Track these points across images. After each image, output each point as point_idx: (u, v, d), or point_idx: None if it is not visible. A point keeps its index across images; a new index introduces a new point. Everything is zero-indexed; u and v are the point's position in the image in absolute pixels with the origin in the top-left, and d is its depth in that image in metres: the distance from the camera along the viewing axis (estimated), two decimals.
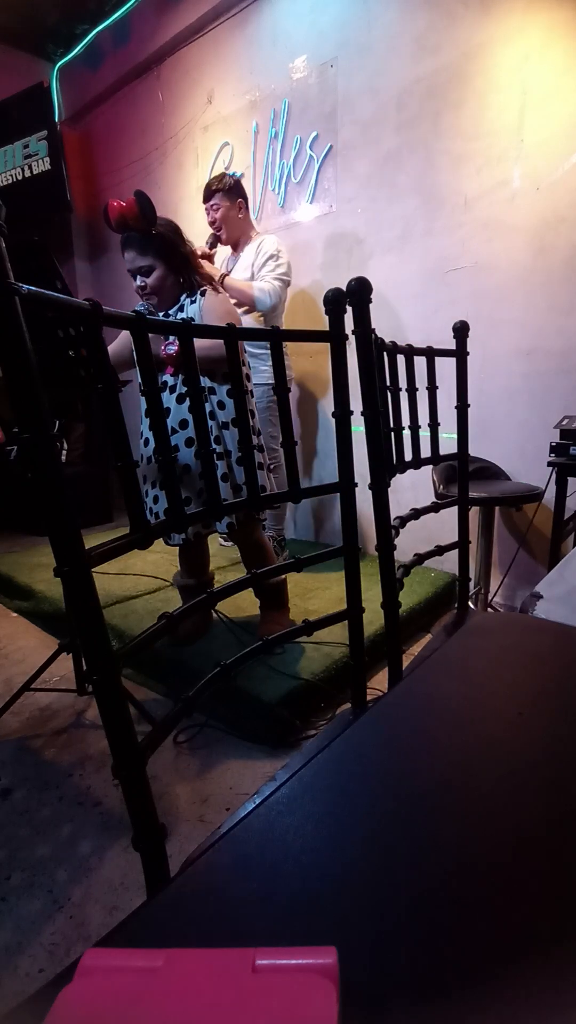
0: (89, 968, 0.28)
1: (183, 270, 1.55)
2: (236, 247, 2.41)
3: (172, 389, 1.57)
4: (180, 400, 1.56)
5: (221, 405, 1.57)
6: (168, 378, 1.56)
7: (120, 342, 1.65)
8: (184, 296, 1.57)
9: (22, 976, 0.91)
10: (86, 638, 0.56)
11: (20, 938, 0.97)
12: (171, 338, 1.51)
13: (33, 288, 0.50)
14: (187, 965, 0.28)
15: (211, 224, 2.33)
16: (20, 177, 3.47)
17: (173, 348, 1.45)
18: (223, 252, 2.48)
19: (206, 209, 2.32)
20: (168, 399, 1.57)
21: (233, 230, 2.34)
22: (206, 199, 2.30)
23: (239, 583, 0.88)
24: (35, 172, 3.42)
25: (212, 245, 2.33)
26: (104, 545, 0.60)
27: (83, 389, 1.31)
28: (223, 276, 2.15)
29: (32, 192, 3.45)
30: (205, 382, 1.58)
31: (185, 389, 1.54)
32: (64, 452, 1.77)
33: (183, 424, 1.55)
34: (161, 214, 1.52)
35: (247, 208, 2.37)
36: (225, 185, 2.27)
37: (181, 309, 1.57)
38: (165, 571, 2.43)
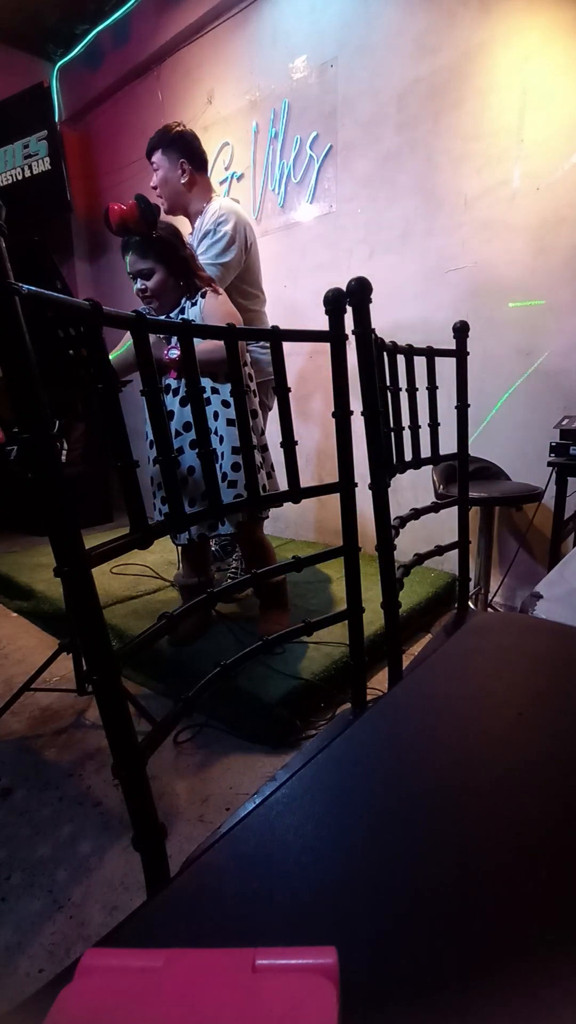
0: (89, 968, 0.28)
1: (183, 273, 1.55)
2: (189, 218, 1.98)
3: (175, 392, 1.57)
4: (184, 403, 1.56)
5: (226, 404, 1.58)
6: (172, 381, 1.56)
7: (120, 348, 1.65)
8: (184, 299, 1.58)
9: (22, 976, 0.91)
10: (86, 638, 0.56)
11: (20, 938, 0.97)
12: (173, 342, 1.51)
13: (33, 288, 0.51)
14: (187, 965, 0.28)
15: (154, 190, 1.92)
16: (20, 177, 3.47)
17: (176, 353, 1.46)
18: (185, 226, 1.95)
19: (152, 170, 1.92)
20: (172, 402, 1.58)
21: (174, 198, 1.90)
22: (148, 156, 1.89)
23: (240, 583, 0.88)
24: (35, 172, 3.42)
25: None
26: (104, 545, 0.60)
27: (83, 389, 1.31)
28: None
29: (32, 192, 3.45)
30: (208, 383, 1.58)
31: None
32: (64, 452, 1.77)
33: (187, 426, 1.56)
34: (160, 216, 1.52)
35: (198, 170, 1.89)
36: (166, 139, 1.82)
37: (182, 312, 1.58)
38: (165, 571, 2.43)
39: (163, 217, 1.92)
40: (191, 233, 2.05)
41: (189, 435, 1.55)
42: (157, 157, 1.87)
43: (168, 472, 0.70)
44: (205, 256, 1.83)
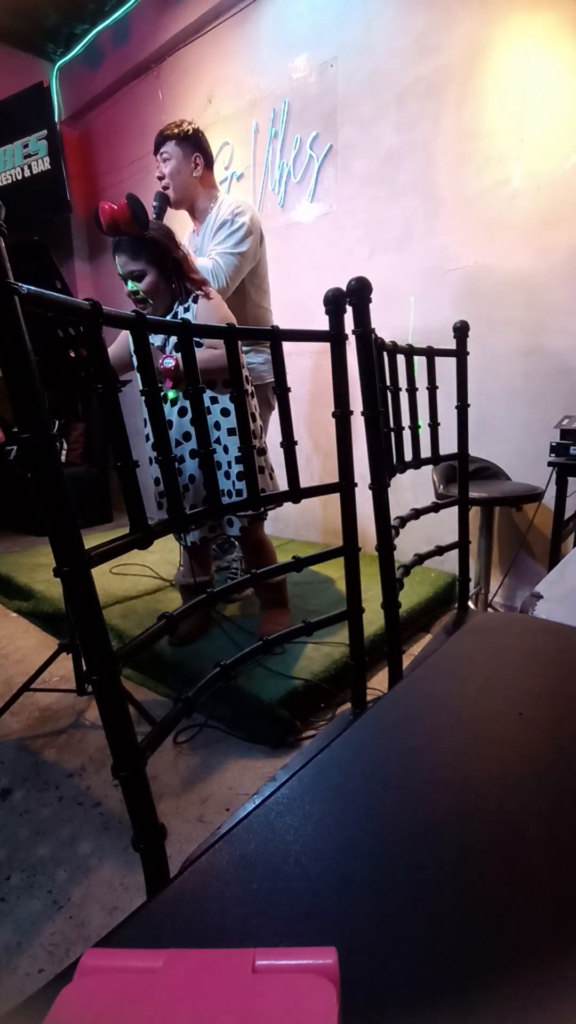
0: (89, 968, 0.28)
1: (176, 276, 1.53)
2: (193, 214, 2.03)
3: (173, 402, 1.56)
4: (182, 413, 1.55)
5: (225, 412, 1.56)
6: (169, 392, 1.54)
7: (119, 344, 1.64)
8: (177, 303, 1.56)
9: (22, 976, 0.91)
10: (86, 638, 0.56)
11: (20, 938, 0.97)
12: (168, 351, 1.50)
13: (33, 288, 0.51)
14: (187, 965, 0.28)
15: (159, 179, 1.95)
16: (20, 177, 3.47)
17: (171, 362, 1.43)
18: (183, 225, 2.07)
19: (157, 162, 1.95)
20: (169, 412, 1.56)
21: (185, 190, 1.93)
22: (156, 149, 1.92)
23: (240, 583, 0.88)
24: (35, 172, 3.42)
25: (160, 212, 1.91)
26: (104, 545, 0.60)
27: (83, 388, 1.31)
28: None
29: (32, 192, 3.45)
30: (207, 392, 1.57)
31: (187, 402, 1.54)
32: (64, 452, 1.77)
33: (186, 436, 1.55)
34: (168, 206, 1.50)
35: (207, 167, 1.95)
36: (180, 132, 1.87)
37: (175, 317, 1.56)
38: (165, 571, 2.43)
39: (168, 212, 1.96)
40: (195, 231, 2.07)
41: (189, 444, 1.54)
42: (170, 148, 1.89)
43: (168, 471, 0.70)
44: (223, 246, 1.85)
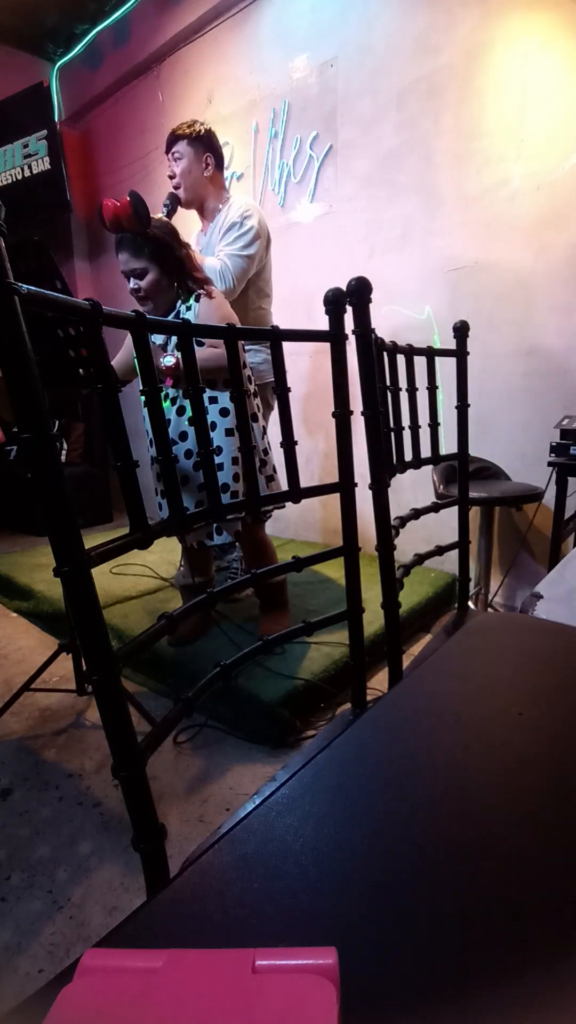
0: (89, 968, 0.28)
1: (178, 274, 1.52)
2: (202, 213, 2.05)
3: (173, 401, 1.56)
4: (180, 412, 1.55)
5: (224, 412, 1.56)
6: (169, 390, 1.54)
7: (123, 353, 1.64)
8: (179, 302, 1.56)
9: (22, 976, 0.91)
10: (86, 638, 0.56)
11: (20, 938, 0.97)
12: (169, 350, 1.50)
13: (33, 288, 0.51)
14: (187, 965, 0.28)
15: (170, 179, 1.96)
16: (20, 177, 3.47)
17: (171, 360, 1.43)
18: (190, 224, 2.08)
19: (168, 161, 1.96)
20: (168, 410, 1.55)
21: (196, 189, 1.95)
22: (168, 148, 1.94)
23: (239, 583, 0.88)
24: (35, 172, 3.42)
25: (170, 211, 1.89)
26: (104, 545, 0.60)
27: (83, 387, 1.31)
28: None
29: (32, 192, 3.45)
30: (206, 392, 1.56)
31: (185, 401, 1.53)
32: (64, 452, 1.77)
33: (183, 436, 1.54)
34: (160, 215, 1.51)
35: (218, 168, 1.98)
36: (192, 132, 1.89)
37: (177, 316, 1.56)
38: (165, 571, 2.43)
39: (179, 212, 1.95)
40: (202, 231, 2.08)
41: (184, 444, 1.54)
42: (182, 147, 1.91)
43: (168, 472, 0.70)
44: (232, 247, 1.87)
